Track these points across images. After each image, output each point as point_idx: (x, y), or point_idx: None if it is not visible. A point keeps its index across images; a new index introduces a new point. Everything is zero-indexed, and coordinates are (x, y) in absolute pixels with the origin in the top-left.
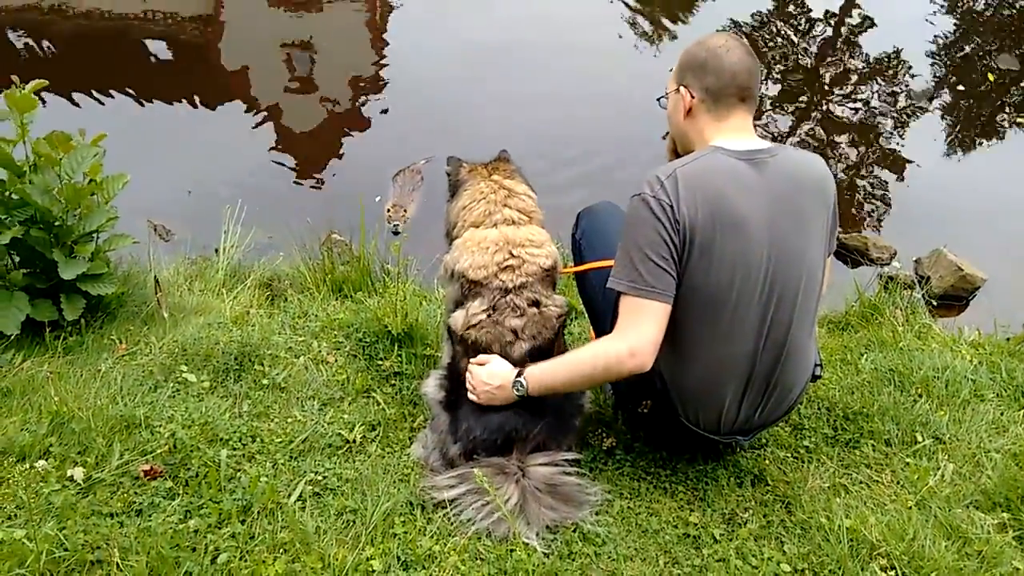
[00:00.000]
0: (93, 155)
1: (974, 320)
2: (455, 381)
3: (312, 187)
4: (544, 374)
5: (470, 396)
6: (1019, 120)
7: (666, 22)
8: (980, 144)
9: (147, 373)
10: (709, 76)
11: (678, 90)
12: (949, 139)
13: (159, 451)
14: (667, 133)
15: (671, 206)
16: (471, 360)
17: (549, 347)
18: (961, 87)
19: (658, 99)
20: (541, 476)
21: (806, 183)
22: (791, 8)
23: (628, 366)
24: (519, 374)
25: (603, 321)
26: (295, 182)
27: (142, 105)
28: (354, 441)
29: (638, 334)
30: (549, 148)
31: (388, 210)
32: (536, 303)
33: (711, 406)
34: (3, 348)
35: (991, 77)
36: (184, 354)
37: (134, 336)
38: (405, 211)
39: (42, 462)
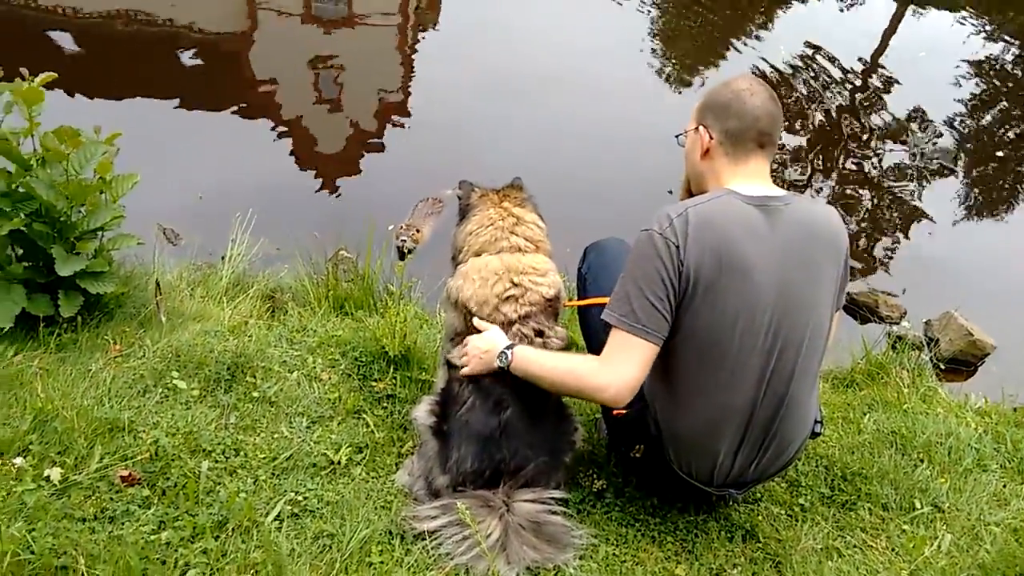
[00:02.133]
0: (103, 152)
1: (981, 387)
2: (447, 407)
3: (325, 203)
4: (530, 360)
5: (462, 366)
6: None
7: (691, 64)
8: (997, 211)
9: (137, 376)
10: (731, 119)
11: (697, 129)
12: (966, 204)
13: (139, 457)
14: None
15: (677, 246)
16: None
17: None
18: (984, 151)
19: (676, 136)
20: (526, 513)
21: (818, 234)
22: (818, 60)
23: (602, 398)
24: (508, 347)
25: None
26: (314, 191)
27: (173, 107)
28: (339, 463)
29: (620, 372)
30: (563, 181)
31: (400, 227)
32: (540, 333)
33: (705, 456)
34: None
35: None
36: (177, 360)
37: (129, 338)
38: (417, 231)
39: (19, 459)
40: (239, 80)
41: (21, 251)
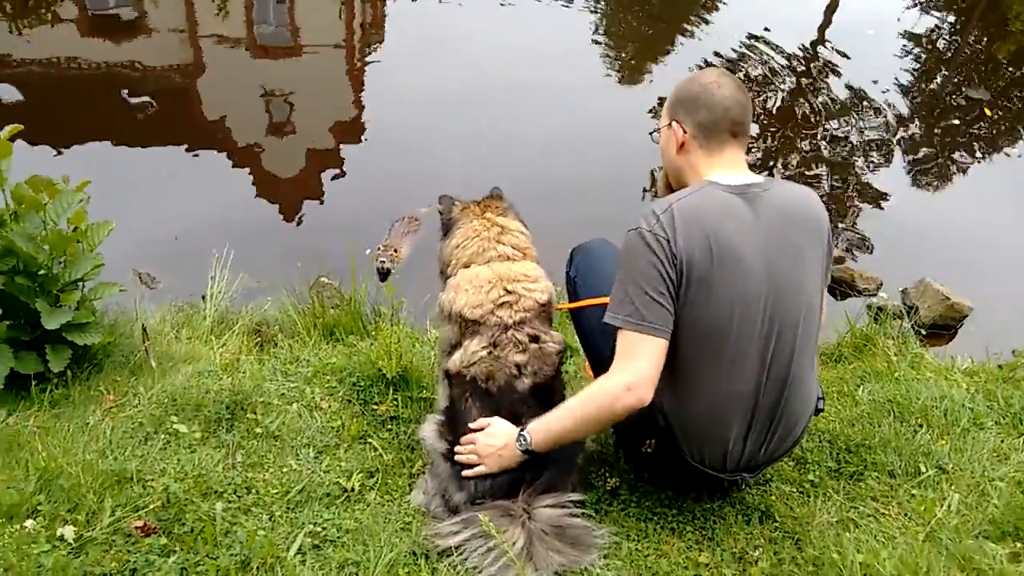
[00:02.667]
0: (78, 201)
1: (963, 348)
2: (455, 426)
3: (296, 232)
4: (546, 425)
5: (475, 462)
6: (987, 110)
7: (640, 60)
8: (948, 178)
9: (137, 425)
10: (702, 111)
11: (670, 125)
12: (919, 171)
13: (152, 506)
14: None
15: (668, 240)
16: (470, 425)
17: (551, 384)
18: (930, 121)
19: (650, 133)
20: (547, 518)
21: (800, 216)
22: (763, 47)
23: (626, 401)
24: (521, 429)
25: (600, 357)
26: (282, 221)
27: (124, 151)
28: (352, 489)
29: (635, 369)
30: (528, 186)
31: (379, 249)
32: (536, 338)
33: (716, 443)
34: None
35: (988, 112)
36: (174, 404)
37: (122, 387)
38: (396, 251)
39: (31, 521)
40: (189, 115)
41: (1, 310)
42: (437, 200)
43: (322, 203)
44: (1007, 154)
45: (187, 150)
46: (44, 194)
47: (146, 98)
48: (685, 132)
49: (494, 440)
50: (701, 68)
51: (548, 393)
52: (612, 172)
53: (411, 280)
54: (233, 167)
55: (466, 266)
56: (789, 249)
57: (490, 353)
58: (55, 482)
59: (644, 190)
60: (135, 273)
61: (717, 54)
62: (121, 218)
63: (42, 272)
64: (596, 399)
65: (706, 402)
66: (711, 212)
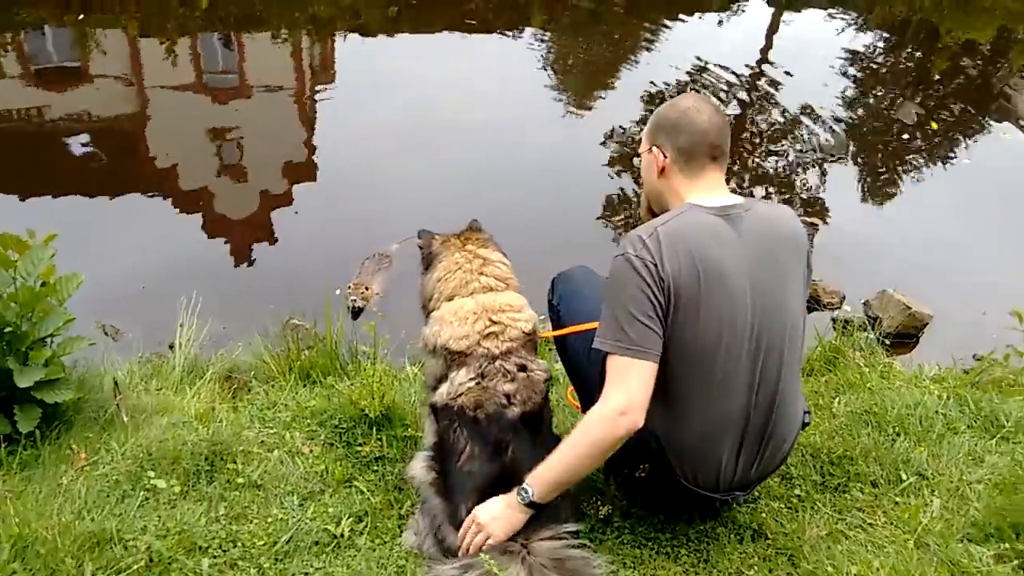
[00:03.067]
0: (49, 256)
1: (926, 356)
2: (444, 461)
3: (254, 275)
4: (544, 472)
5: (481, 541)
6: (934, 122)
7: (587, 92)
8: (899, 188)
9: (112, 483)
10: (682, 136)
11: (651, 150)
12: (867, 185)
13: (135, 567)
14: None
15: (655, 264)
16: (470, 511)
17: (540, 412)
18: (870, 136)
19: (633, 158)
20: (546, 551)
21: (781, 235)
22: (711, 70)
23: (621, 426)
24: (520, 487)
25: (588, 384)
26: (244, 266)
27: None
28: (341, 535)
29: (626, 393)
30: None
31: (349, 287)
32: (524, 367)
33: (709, 464)
34: None
35: (935, 125)
36: (150, 458)
37: (94, 444)
38: (367, 289)
39: None
40: (138, 162)
41: None
42: (416, 235)
43: (273, 244)
44: (951, 164)
45: (138, 197)
46: (12, 251)
47: (93, 148)
48: (666, 157)
49: (494, 509)
50: (650, 95)
51: (537, 421)
52: (567, 201)
53: (384, 317)
54: (185, 212)
55: (449, 299)
56: (773, 268)
57: (478, 383)
58: (31, 548)
59: (596, 218)
60: (98, 325)
61: (664, 82)
62: (77, 270)
63: (9, 330)
64: (593, 430)
65: (698, 423)
66: (695, 234)
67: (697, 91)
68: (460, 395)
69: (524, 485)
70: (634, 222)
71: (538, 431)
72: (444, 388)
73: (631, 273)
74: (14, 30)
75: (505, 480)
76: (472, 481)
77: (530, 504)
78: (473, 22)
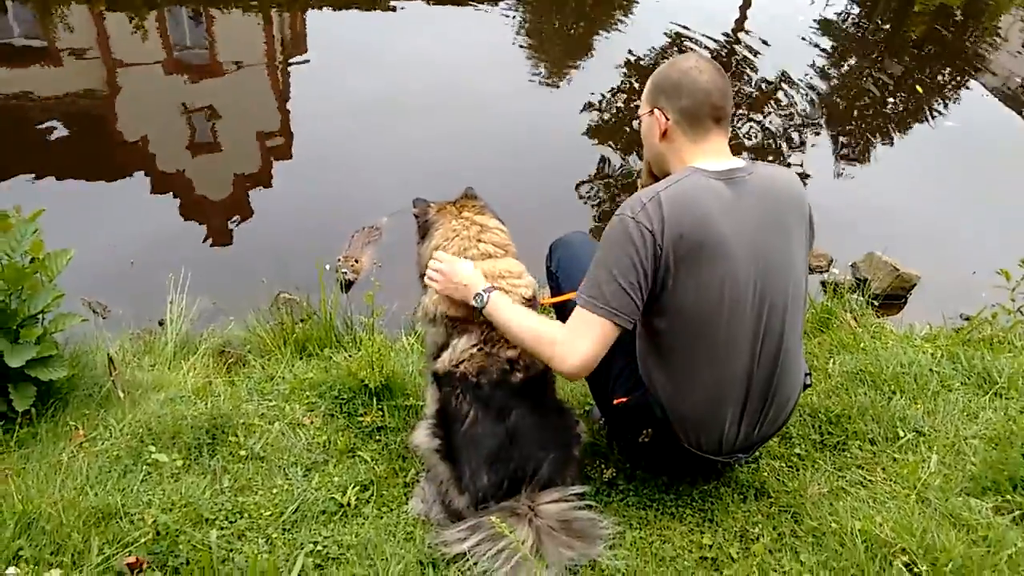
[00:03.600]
0: (33, 232)
1: (916, 316)
2: (448, 428)
3: (240, 252)
4: (502, 310)
5: (427, 280)
6: (919, 87)
7: (563, 61)
8: (868, 155)
9: (113, 458)
10: (684, 98)
11: (652, 112)
12: (847, 149)
13: (143, 540)
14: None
15: (651, 231)
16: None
17: (543, 376)
18: (847, 102)
19: (634, 121)
20: (553, 513)
21: (784, 198)
22: (686, 39)
23: (561, 369)
24: (487, 289)
25: None
26: (225, 243)
27: (48, 182)
28: (348, 504)
29: (580, 348)
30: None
31: (339, 260)
32: None
33: (712, 428)
34: None
35: (919, 89)
36: (150, 433)
37: (91, 420)
38: (357, 262)
39: (12, 569)
40: (110, 141)
41: None
42: (412, 203)
43: (251, 221)
44: (931, 126)
45: (111, 176)
46: None
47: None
48: (667, 119)
49: (463, 274)
50: (628, 64)
51: (540, 384)
52: (546, 170)
53: (381, 288)
54: (160, 191)
55: None
56: (777, 229)
57: (480, 350)
58: (35, 525)
59: (578, 184)
60: (85, 303)
61: (638, 50)
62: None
63: None
64: (541, 346)
65: (702, 388)
66: (697, 199)
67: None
68: (463, 361)
69: (485, 296)
70: (613, 190)
71: (542, 394)
72: (446, 355)
73: (624, 236)
74: None
75: (509, 444)
76: (477, 445)
77: (473, 308)
78: None
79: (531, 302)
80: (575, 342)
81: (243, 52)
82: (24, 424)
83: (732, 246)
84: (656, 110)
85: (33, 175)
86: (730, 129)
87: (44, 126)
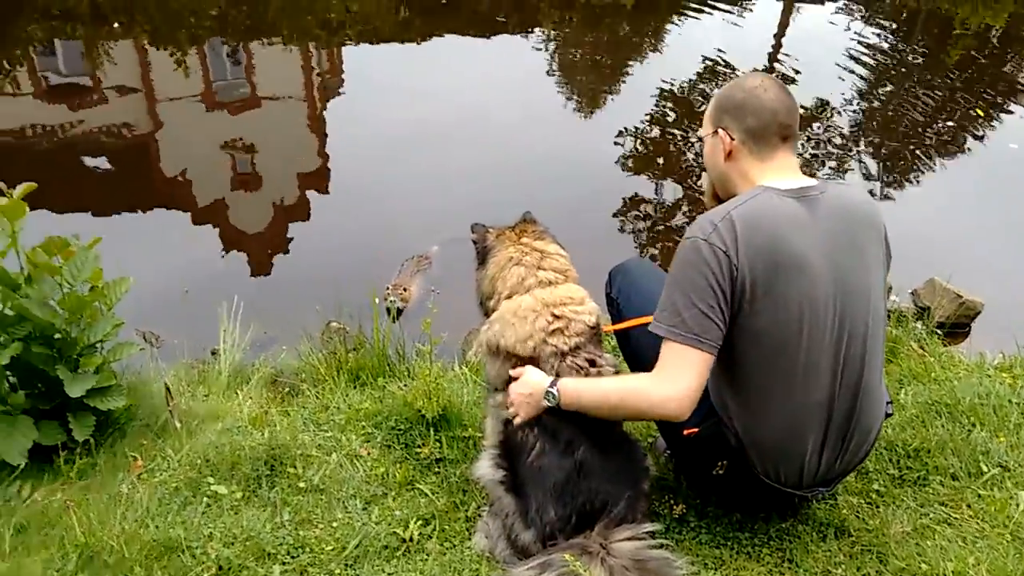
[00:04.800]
0: (94, 258)
1: (982, 345)
2: (513, 459)
3: (283, 282)
4: (579, 392)
5: (513, 417)
6: (979, 110)
7: (595, 91)
8: (919, 178)
9: (172, 490)
10: (749, 117)
11: (716, 132)
12: (897, 175)
13: (205, 575)
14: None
15: (724, 251)
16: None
17: None
18: (890, 126)
19: (697, 140)
20: (627, 552)
21: (859, 218)
22: (720, 68)
23: (666, 413)
24: (552, 384)
25: None
26: (264, 275)
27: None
28: (410, 539)
29: (679, 384)
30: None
31: (387, 288)
32: (593, 363)
33: (792, 459)
34: (10, 480)
35: (980, 112)
36: (208, 464)
37: (149, 450)
38: (406, 290)
39: None
40: (151, 175)
41: (16, 379)
42: (470, 229)
43: (287, 253)
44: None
45: (151, 210)
46: (58, 256)
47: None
48: (733, 139)
49: (524, 388)
50: (662, 92)
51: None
52: (582, 199)
53: (420, 319)
54: (199, 224)
55: (508, 297)
56: (853, 251)
57: None
58: (98, 558)
59: (614, 215)
60: (138, 333)
61: (672, 78)
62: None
63: (59, 337)
64: (635, 399)
65: (780, 416)
66: (771, 218)
67: (701, 87)
68: None
69: (554, 390)
70: (652, 219)
71: (609, 428)
72: (506, 402)
73: (697, 258)
74: (22, 46)
75: (577, 478)
76: (542, 477)
77: (552, 408)
78: (504, 20)
79: (596, 329)
80: (669, 381)
81: (281, 83)
82: (83, 454)
83: (809, 265)
84: (720, 130)
85: (76, 210)
86: (798, 147)
87: (89, 161)
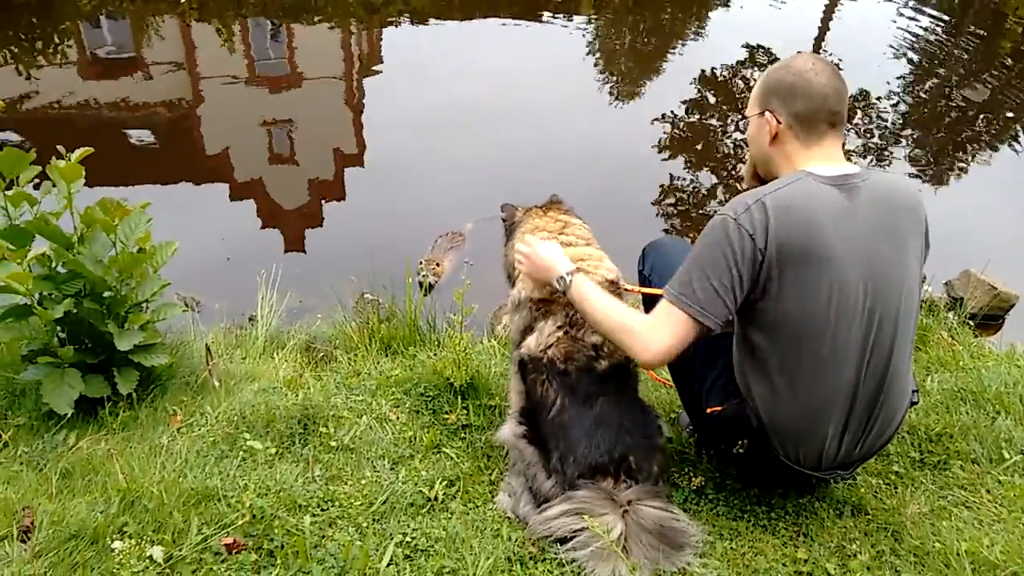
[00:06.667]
0: (146, 221)
1: (1015, 337)
2: (535, 415)
3: (319, 254)
4: (586, 293)
5: (516, 257)
6: None
7: (634, 77)
8: (968, 169)
9: (210, 443)
10: (799, 101)
11: (762, 114)
12: (935, 166)
13: (239, 522)
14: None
15: (751, 235)
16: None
17: (626, 364)
18: (930, 119)
19: (741, 119)
20: (654, 517)
21: (900, 206)
22: (760, 56)
23: (639, 358)
24: (570, 272)
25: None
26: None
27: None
28: (435, 498)
29: (662, 340)
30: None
31: (420, 263)
32: None
33: (812, 442)
34: (57, 428)
35: None
36: (244, 421)
37: (189, 407)
38: (438, 265)
39: (118, 543)
40: (193, 149)
41: (65, 334)
42: (500, 208)
43: (321, 226)
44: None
45: (192, 182)
46: (115, 215)
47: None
48: (779, 122)
49: (547, 256)
50: (702, 78)
51: (624, 373)
52: (617, 184)
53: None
54: (237, 199)
55: None
56: (891, 238)
57: (566, 333)
58: (138, 503)
59: (651, 202)
60: (179, 298)
61: (713, 64)
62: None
63: (109, 294)
64: (621, 334)
65: (804, 399)
66: (805, 205)
67: (742, 74)
68: (549, 347)
69: (569, 276)
70: (687, 205)
71: (625, 382)
72: (532, 339)
73: (723, 236)
74: (70, 19)
75: (596, 430)
76: (563, 429)
77: (556, 292)
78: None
79: (614, 285)
80: (655, 333)
81: (320, 61)
82: (126, 407)
83: (841, 253)
84: (767, 112)
85: (120, 183)
86: (845, 133)
87: (134, 134)
